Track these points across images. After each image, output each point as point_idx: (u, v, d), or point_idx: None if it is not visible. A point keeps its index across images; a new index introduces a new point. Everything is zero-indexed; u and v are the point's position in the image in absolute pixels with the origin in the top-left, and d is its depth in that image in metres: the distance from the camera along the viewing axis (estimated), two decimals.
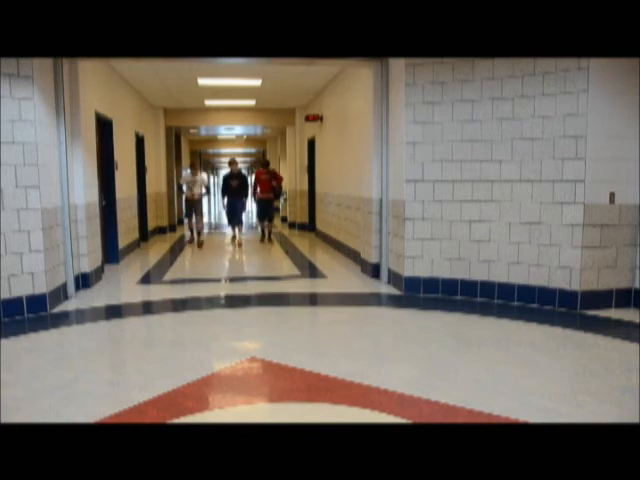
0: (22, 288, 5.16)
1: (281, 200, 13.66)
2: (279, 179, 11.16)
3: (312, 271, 7.91)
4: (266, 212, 11.08)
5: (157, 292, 6.56)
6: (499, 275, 5.52)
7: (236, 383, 3.62)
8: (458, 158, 5.62)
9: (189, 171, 10.85)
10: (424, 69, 5.66)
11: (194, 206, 10.70)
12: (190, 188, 10.49)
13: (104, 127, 8.06)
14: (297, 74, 9.27)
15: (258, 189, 10.94)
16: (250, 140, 20.88)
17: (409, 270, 5.94)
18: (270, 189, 10.85)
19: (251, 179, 14.01)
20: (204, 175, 11.17)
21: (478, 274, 5.64)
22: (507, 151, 5.37)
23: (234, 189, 10.58)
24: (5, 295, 5.06)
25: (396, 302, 5.78)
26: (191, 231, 11.05)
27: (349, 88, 8.49)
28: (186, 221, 11.39)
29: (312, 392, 3.34)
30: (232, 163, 10.63)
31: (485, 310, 5.22)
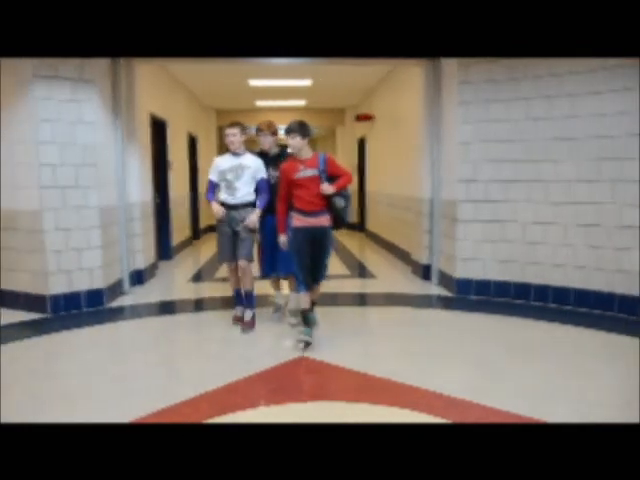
0: (81, 283, 5.36)
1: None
2: (345, 177, 4.27)
3: (362, 271, 7.87)
4: (315, 259, 4.27)
5: (209, 289, 6.67)
6: (555, 278, 5.34)
7: (284, 381, 3.64)
8: (512, 158, 5.47)
9: (228, 153, 4.74)
10: (478, 67, 5.54)
11: (237, 237, 4.63)
12: (231, 187, 4.60)
13: (158, 128, 8.27)
14: (347, 74, 9.25)
15: (295, 203, 4.25)
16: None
17: (460, 272, 5.83)
18: (323, 204, 4.23)
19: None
20: (257, 158, 4.70)
21: (532, 277, 5.48)
22: (564, 150, 5.19)
23: (274, 189, 4.58)
24: (65, 289, 5.27)
25: (447, 304, 5.68)
26: (238, 297, 4.92)
27: (400, 87, 8.41)
28: (226, 270, 5.02)
29: (361, 392, 3.32)
30: (264, 129, 4.79)
31: (539, 314, 5.06)
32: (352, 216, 4.40)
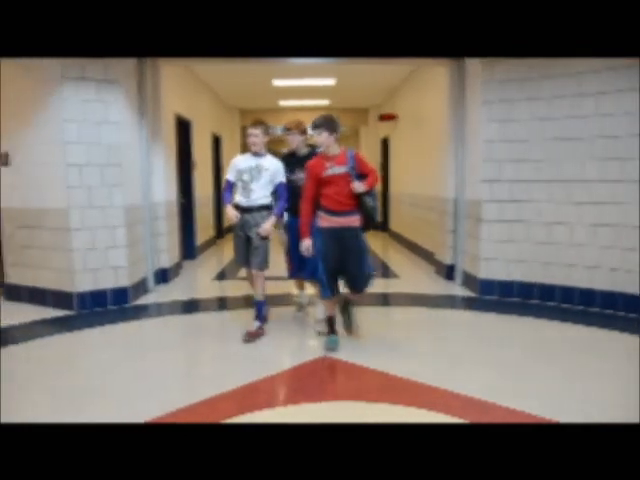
0: (106, 281, 5.44)
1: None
2: (373, 175, 4.04)
3: (385, 271, 7.83)
4: (349, 265, 4.02)
5: (232, 288, 6.71)
6: (580, 280, 5.24)
7: (306, 381, 3.65)
8: (537, 157, 5.39)
9: (248, 153, 4.51)
10: (502, 66, 5.47)
11: (250, 243, 4.41)
12: (246, 189, 4.38)
13: (183, 128, 8.34)
14: (371, 73, 9.23)
15: (323, 202, 4.00)
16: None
17: (484, 272, 5.76)
18: (353, 203, 4.00)
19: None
20: (277, 161, 4.48)
21: (557, 278, 5.39)
22: (588, 150, 5.08)
23: (300, 192, 4.19)
24: (91, 287, 5.36)
25: (470, 305, 5.63)
26: (259, 311, 4.52)
27: (423, 86, 8.36)
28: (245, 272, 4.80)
29: (382, 392, 3.31)
30: (292, 128, 4.70)
31: (564, 316, 4.98)
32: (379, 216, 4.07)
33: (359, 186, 3.88)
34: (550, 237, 5.39)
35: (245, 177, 4.37)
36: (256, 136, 4.36)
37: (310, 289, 5.16)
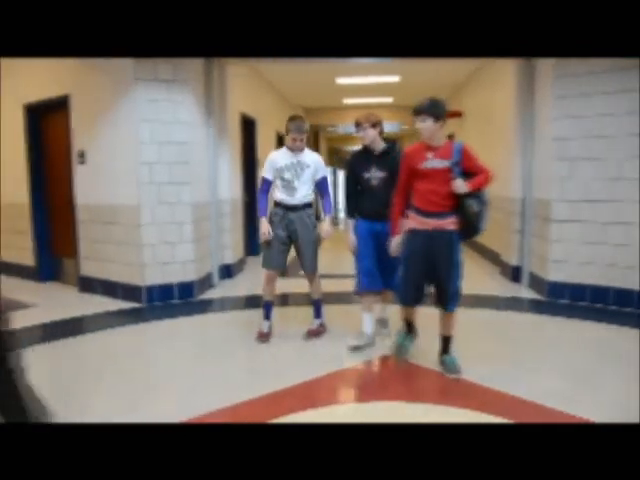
0: (174, 275, 5.62)
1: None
2: (483, 175, 3.42)
3: None
4: (436, 274, 3.46)
5: (293, 285, 6.76)
6: None
7: (367, 379, 3.65)
8: (613, 154, 5.13)
9: (284, 148, 4.31)
10: (575, 59, 5.23)
11: (295, 243, 4.30)
12: (289, 187, 4.22)
13: (248, 127, 8.48)
14: (436, 70, 9.08)
15: (413, 200, 3.49)
16: (385, 138, 20.74)
17: (553, 274, 5.56)
18: (450, 204, 3.39)
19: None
20: (316, 155, 4.32)
21: (633, 283, 5.12)
22: None
23: (375, 191, 3.98)
24: (159, 281, 5.55)
25: (537, 308, 5.44)
26: (267, 310, 4.44)
27: (491, 82, 8.13)
28: (264, 278, 4.40)
29: (444, 395, 3.27)
30: (363, 122, 4.01)
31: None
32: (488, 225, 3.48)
33: (461, 185, 3.27)
34: (627, 239, 5.13)
35: (287, 175, 4.19)
36: (302, 140, 4.19)
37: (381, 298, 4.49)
